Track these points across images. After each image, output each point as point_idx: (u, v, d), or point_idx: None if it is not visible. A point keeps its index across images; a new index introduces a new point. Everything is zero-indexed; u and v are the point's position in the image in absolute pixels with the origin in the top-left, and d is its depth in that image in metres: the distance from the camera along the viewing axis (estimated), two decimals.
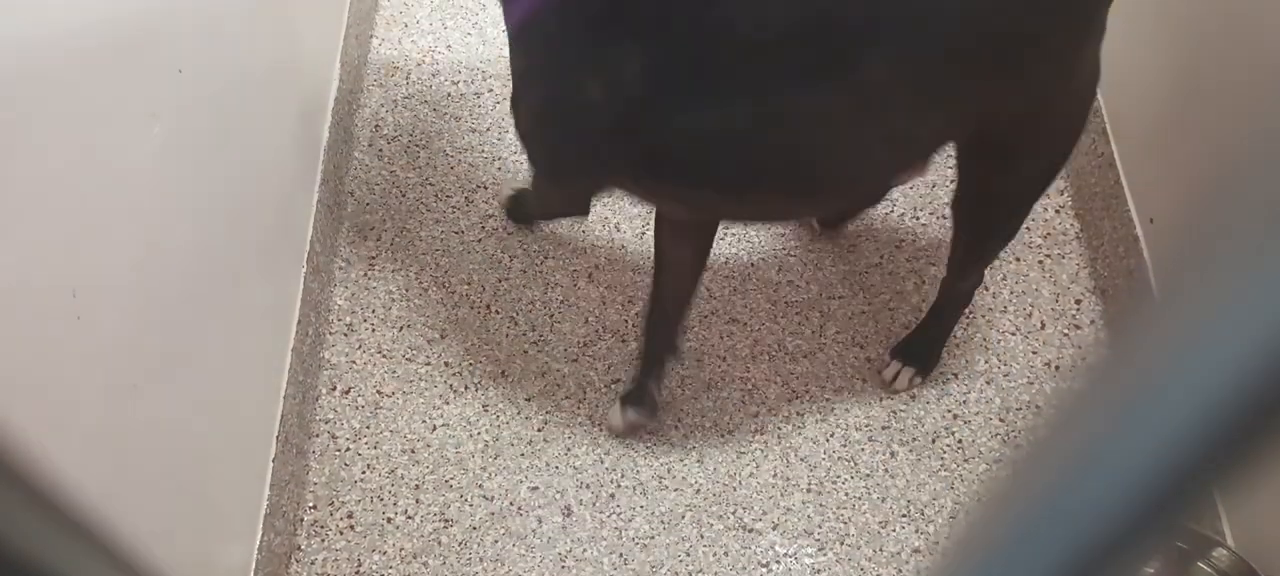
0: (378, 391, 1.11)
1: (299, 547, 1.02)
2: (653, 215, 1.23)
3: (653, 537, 1.02)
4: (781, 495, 1.05)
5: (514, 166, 1.28)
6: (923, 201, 1.25)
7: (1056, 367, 1.12)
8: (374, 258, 1.21)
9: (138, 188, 0.74)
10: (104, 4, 0.70)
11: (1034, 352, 1.13)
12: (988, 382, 1.11)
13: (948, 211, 1.24)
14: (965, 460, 1.07)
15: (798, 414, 1.10)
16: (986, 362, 1.12)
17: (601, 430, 1.09)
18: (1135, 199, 1.13)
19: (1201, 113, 1.01)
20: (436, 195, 1.26)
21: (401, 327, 1.15)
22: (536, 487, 1.05)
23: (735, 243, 1.22)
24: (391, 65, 1.38)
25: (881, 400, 1.11)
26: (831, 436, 1.08)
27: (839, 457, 1.07)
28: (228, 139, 0.92)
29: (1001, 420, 1.09)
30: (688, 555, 1.01)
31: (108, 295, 0.69)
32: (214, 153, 0.89)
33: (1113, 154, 1.18)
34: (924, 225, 1.23)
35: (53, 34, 0.63)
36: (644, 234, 1.23)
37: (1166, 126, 1.08)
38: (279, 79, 1.08)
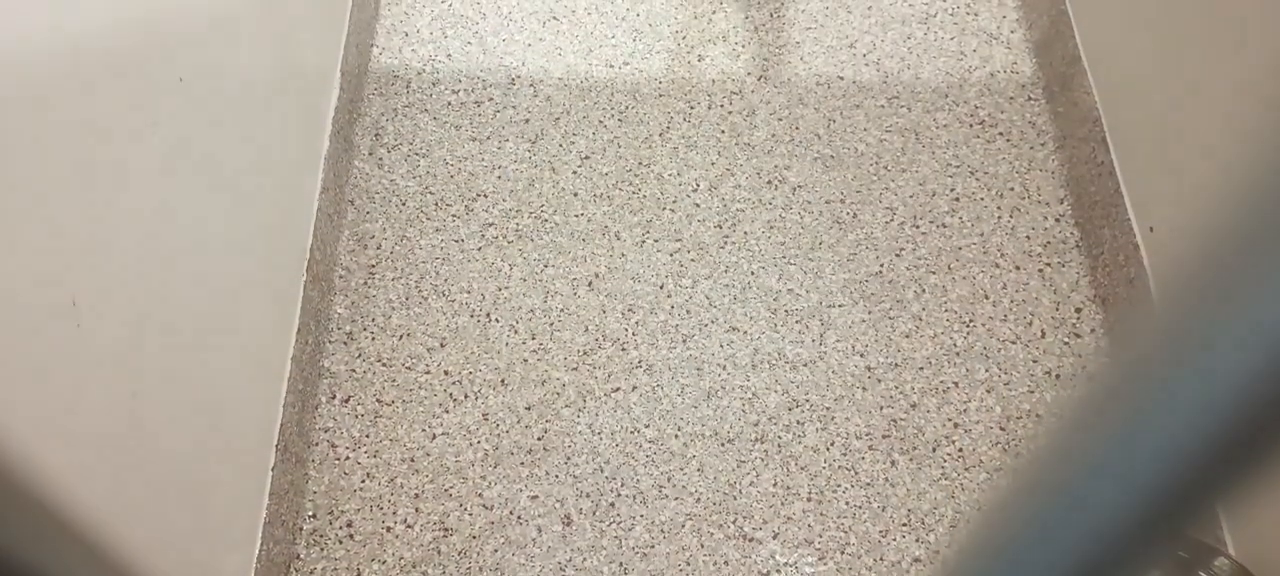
0: (377, 400, 1.11)
1: (298, 556, 1.02)
2: (651, 222, 1.23)
3: (653, 547, 1.02)
4: (782, 504, 1.05)
5: (514, 175, 1.28)
6: (923, 210, 1.25)
7: (1057, 376, 1.12)
8: (374, 266, 1.21)
9: (138, 196, 0.74)
10: (105, 13, 0.70)
11: (1035, 361, 1.13)
12: (988, 391, 1.11)
13: (948, 220, 1.25)
14: (966, 469, 1.07)
15: (798, 422, 1.09)
16: (987, 371, 1.12)
17: (601, 438, 1.09)
18: (1135, 207, 1.13)
19: (1201, 121, 1.01)
20: (436, 204, 1.26)
21: (401, 336, 1.15)
22: (536, 497, 1.05)
23: (735, 250, 1.22)
24: (392, 74, 1.38)
25: (882, 409, 1.10)
26: (832, 445, 1.08)
27: (839, 466, 1.07)
28: (228, 147, 0.92)
29: (1002, 429, 1.09)
30: (688, 564, 1.01)
31: (107, 304, 0.69)
32: (214, 161, 0.89)
33: (1112, 162, 1.18)
34: (924, 233, 1.23)
35: (53, 43, 0.63)
36: (643, 242, 1.23)
37: (1166, 134, 1.08)
38: (280, 88, 1.08)
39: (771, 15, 1.44)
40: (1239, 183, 0.13)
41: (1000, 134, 1.32)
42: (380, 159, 1.30)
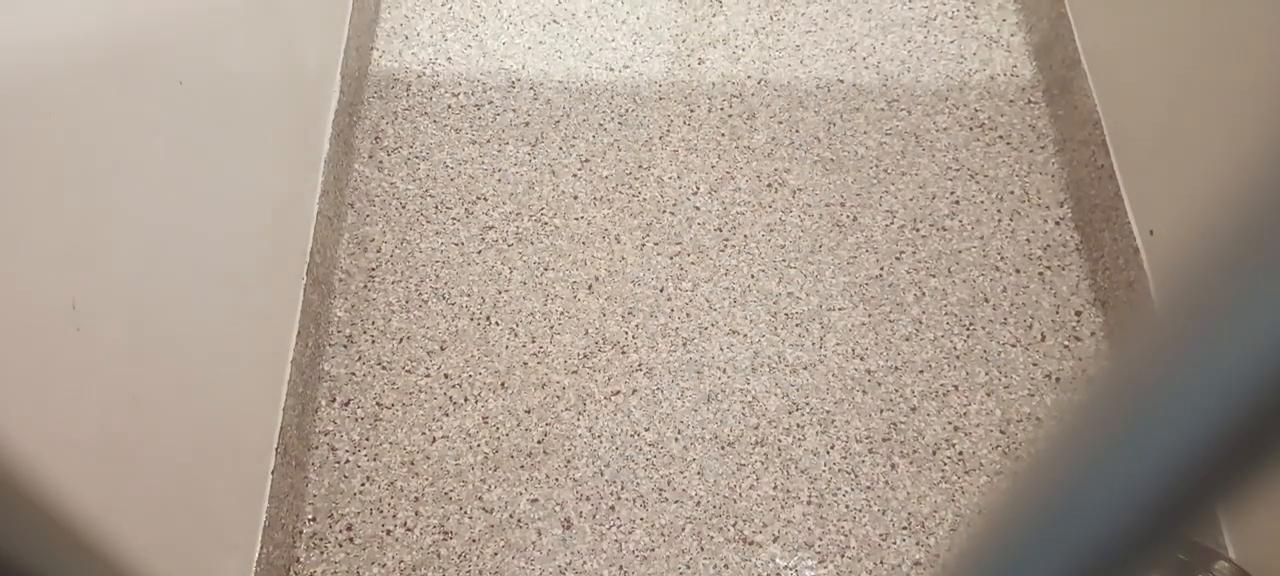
0: (377, 403, 1.11)
1: (298, 560, 1.01)
2: (651, 226, 1.23)
3: (653, 550, 1.02)
4: (782, 507, 1.05)
5: (514, 178, 1.28)
6: (923, 213, 1.25)
7: (1057, 380, 1.12)
8: (374, 269, 1.21)
9: (138, 199, 0.74)
10: (105, 16, 0.70)
11: (1035, 364, 1.13)
12: (988, 394, 1.11)
13: (948, 223, 1.25)
14: (966, 472, 1.07)
15: (798, 426, 1.09)
16: (987, 374, 1.12)
17: (601, 442, 1.08)
18: (1135, 210, 1.13)
19: (1201, 124, 1.01)
20: (436, 207, 1.26)
21: (401, 339, 1.15)
22: (536, 500, 1.05)
23: (735, 254, 1.22)
24: (392, 77, 1.38)
25: (882, 412, 1.10)
26: (832, 448, 1.08)
27: (839, 470, 1.07)
28: (228, 151, 0.92)
29: (1002, 432, 1.09)
30: (688, 568, 1.01)
31: (107, 307, 0.69)
32: (214, 165, 0.89)
33: (1112, 165, 1.18)
34: (924, 237, 1.23)
35: (53, 45, 0.63)
36: (643, 245, 1.23)
37: (1166, 138, 1.08)
38: (280, 91, 1.08)
39: (771, 18, 1.44)
40: (1239, 186, 0.13)
41: (1000, 137, 1.32)
42: (380, 162, 1.30)
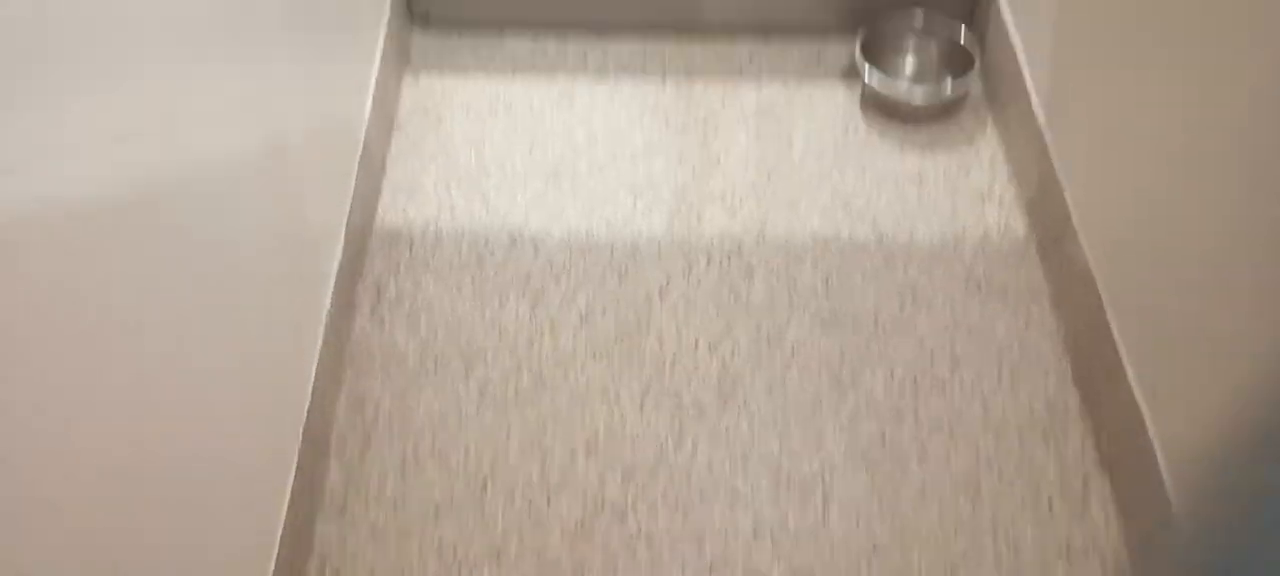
0: (370, 574, 1.08)
1: None
2: (651, 384, 1.23)
3: None
4: None
5: (514, 334, 1.29)
6: (922, 372, 1.25)
7: (1068, 551, 1.09)
8: (371, 430, 1.20)
9: (134, 357, 0.74)
10: (110, 169, 0.71)
11: (1044, 535, 1.10)
12: (996, 567, 1.08)
13: (948, 382, 1.24)
14: None
15: None
16: (995, 546, 1.09)
17: None
18: (1134, 368, 1.12)
19: (1194, 278, 1.01)
20: (436, 364, 1.26)
21: (395, 506, 1.13)
22: None
23: (735, 413, 1.21)
24: (395, 232, 1.40)
25: None
26: None
27: None
28: (229, 307, 0.93)
29: None
30: None
31: (98, 461, 0.68)
32: (215, 321, 0.89)
33: (1108, 322, 1.18)
34: (924, 397, 1.23)
35: (54, 198, 0.63)
36: (642, 404, 1.22)
37: (1161, 292, 1.09)
38: (284, 249, 1.09)
39: (768, 175, 1.48)
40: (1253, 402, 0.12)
41: (996, 294, 1.33)
42: (381, 318, 1.31)
